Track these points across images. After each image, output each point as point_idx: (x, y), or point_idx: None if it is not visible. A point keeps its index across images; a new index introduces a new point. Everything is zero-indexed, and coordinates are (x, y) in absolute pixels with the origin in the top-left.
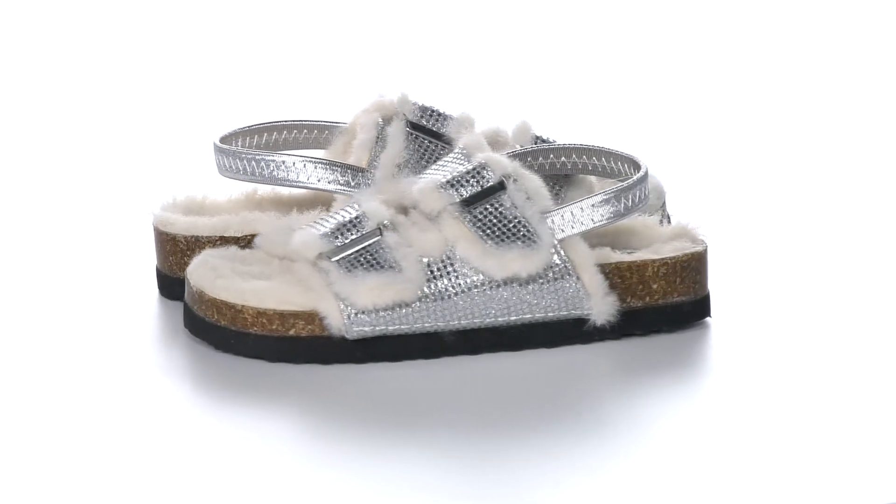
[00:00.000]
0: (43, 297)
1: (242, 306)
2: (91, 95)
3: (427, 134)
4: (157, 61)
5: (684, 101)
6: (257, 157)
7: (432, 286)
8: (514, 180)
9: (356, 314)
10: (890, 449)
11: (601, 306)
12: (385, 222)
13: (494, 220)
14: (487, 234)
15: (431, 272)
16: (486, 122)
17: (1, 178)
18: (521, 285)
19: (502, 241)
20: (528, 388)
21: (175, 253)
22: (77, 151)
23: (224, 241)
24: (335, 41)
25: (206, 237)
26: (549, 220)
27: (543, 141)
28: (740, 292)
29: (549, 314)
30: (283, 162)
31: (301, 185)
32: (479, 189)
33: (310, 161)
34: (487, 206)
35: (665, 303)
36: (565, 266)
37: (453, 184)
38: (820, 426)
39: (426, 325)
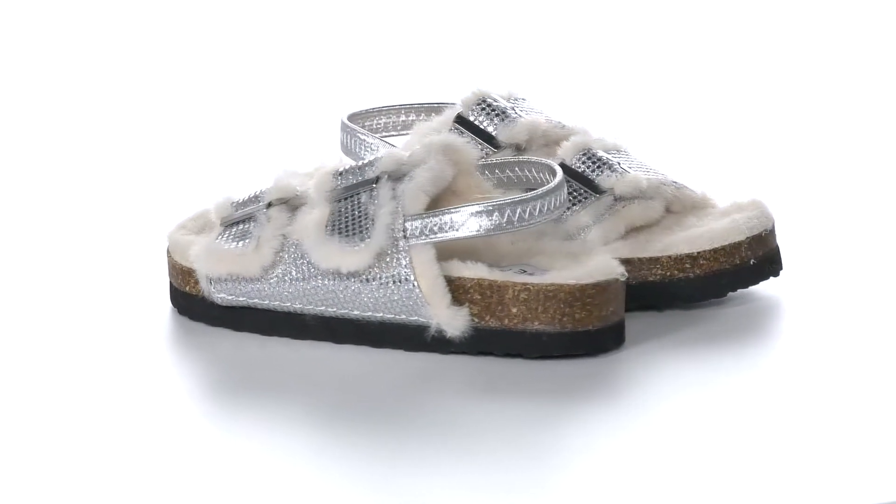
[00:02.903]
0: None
1: (170, 257)
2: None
3: (472, 131)
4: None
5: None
6: (357, 134)
7: (285, 267)
8: (389, 179)
9: (215, 280)
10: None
11: (445, 318)
12: (279, 199)
13: (346, 213)
14: (331, 225)
15: (288, 254)
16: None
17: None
18: (362, 282)
19: (335, 234)
20: (366, 385)
21: None
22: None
23: None
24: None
25: None
26: (408, 224)
27: (597, 158)
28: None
29: (399, 316)
30: (366, 141)
31: None
32: (358, 181)
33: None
34: (352, 199)
35: (523, 329)
36: (403, 270)
37: (343, 173)
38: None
39: (285, 304)
